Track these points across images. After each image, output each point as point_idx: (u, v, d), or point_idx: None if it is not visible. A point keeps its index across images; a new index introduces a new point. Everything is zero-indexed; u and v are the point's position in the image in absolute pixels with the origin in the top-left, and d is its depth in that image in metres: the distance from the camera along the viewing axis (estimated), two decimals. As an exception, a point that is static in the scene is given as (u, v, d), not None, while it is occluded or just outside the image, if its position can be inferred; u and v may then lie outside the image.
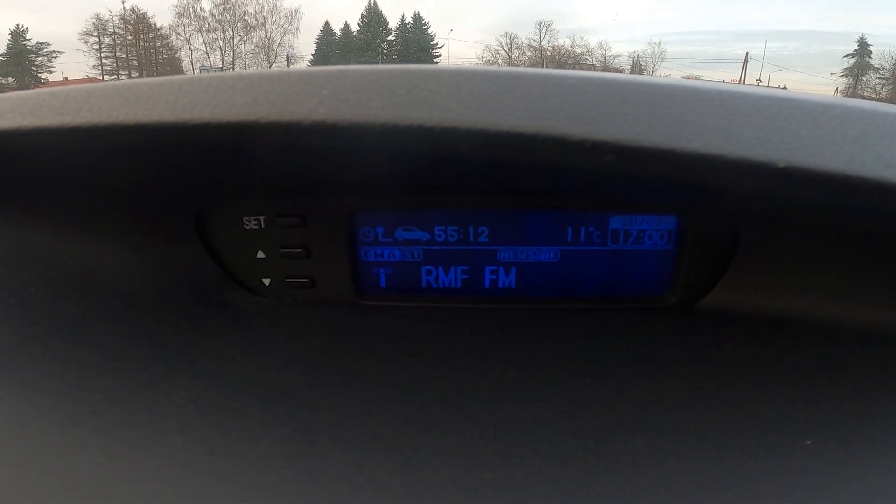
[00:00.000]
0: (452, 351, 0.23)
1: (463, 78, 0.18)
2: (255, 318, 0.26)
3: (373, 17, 38.19)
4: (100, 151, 0.21)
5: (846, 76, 35.42)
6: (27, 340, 0.21)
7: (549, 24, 40.15)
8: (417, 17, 39.09)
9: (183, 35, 35.08)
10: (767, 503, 0.15)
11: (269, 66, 35.97)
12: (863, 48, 34.67)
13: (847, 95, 34.07)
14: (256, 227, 0.27)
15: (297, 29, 36.84)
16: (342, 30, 39.04)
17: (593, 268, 0.25)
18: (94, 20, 33.49)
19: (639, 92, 0.17)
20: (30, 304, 0.22)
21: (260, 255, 0.28)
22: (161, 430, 0.18)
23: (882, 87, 33.42)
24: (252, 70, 0.31)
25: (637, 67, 39.09)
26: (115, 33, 33.90)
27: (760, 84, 36.01)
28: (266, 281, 0.28)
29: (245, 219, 0.28)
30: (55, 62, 32.52)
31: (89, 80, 34.09)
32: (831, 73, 36.80)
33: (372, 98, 0.17)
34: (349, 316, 0.26)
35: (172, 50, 35.59)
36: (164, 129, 0.18)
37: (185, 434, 0.18)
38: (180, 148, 0.21)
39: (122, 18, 33.60)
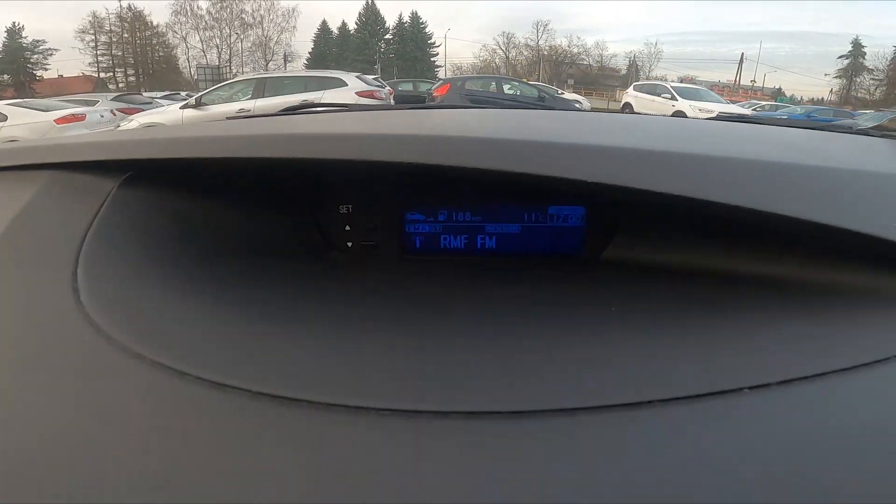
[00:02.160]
0: (459, 286, 0.38)
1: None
2: (343, 267, 0.42)
3: (370, 17, 38.15)
4: (276, 170, 0.39)
5: (840, 77, 35.57)
6: (211, 273, 0.34)
7: (546, 24, 40.20)
8: (415, 17, 39.08)
9: (179, 33, 34.99)
10: (649, 399, 0.21)
11: (266, 65, 35.94)
12: (857, 49, 34.75)
13: (841, 96, 34.23)
14: (346, 213, 0.43)
15: (294, 27, 36.84)
16: (339, 28, 38.97)
17: (539, 236, 0.43)
18: (90, 18, 33.31)
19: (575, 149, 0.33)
20: (215, 256, 0.36)
21: (347, 228, 0.44)
22: (295, 333, 0.29)
23: (875, 88, 33.55)
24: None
25: (633, 68, 39.20)
26: (111, 31, 33.72)
27: (753, 84, 36.02)
28: (349, 244, 0.44)
29: (340, 206, 0.44)
30: (50, 60, 32.34)
31: (84, 77, 34.05)
32: (825, 75, 36.97)
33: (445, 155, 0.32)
34: (397, 266, 0.42)
35: (168, 48, 35.49)
36: (324, 164, 0.34)
37: (307, 335, 0.29)
38: (322, 172, 0.42)
39: (119, 16, 33.43)
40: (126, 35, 33.81)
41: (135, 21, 33.79)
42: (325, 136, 0.35)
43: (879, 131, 0.55)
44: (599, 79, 37.36)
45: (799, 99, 33.29)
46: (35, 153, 0.38)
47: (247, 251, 0.38)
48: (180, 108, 6.18)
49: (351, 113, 0.56)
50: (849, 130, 0.59)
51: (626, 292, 0.35)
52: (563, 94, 13.08)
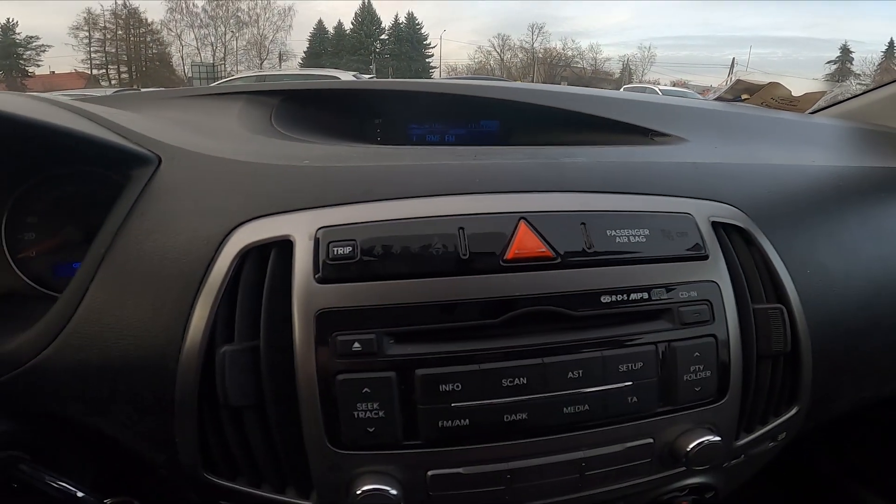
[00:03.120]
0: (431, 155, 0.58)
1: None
2: (378, 142, 0.68)
3: (366, 17, 38.34)
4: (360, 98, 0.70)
5: (828, 82, 36.38)
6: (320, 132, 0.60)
7: (541, 27, 40.59)
8: (411, 17, 39.31)
9: (174, 31, 34.97)
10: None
11: (261, 63, 36.01)
12: (845, 55, 35.59)
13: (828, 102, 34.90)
14: (378, 123, 0.69)
15: (289, 26, 36.83)
16: (335, 28, 39.11)
17: (474, 137, 0.69)
18: (85, 14, 33.20)
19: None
20: (316, 124, 0.63)
21: (378, 130, 0.69)
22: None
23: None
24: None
25: (627, 71, 39.72)
26: (105, 28, 33.65)
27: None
28: (379, 139, 0.68)
29: (375, 119, 0.69)
30: (43, 56, 32.21)
31: (77, 74, 33.96)
32: (813, 79, 37.74)
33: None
34: (404, 148, 0.63)
35: (163, 45, 35.46)
36: None
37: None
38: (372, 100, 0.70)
39: (114, 13, 33.38)
40: (120, 32, 33.75)
41: (129, 18, 33.74)
42: (377, 82, 0.72)
43: (719, 101, 0.75)
44: (593, 82, 37.73)
45: (788, 104, 33.87)
46: (234, 88, 0.65)
47: (331, 128, 0.62)
48: (180, 103, 6.35)
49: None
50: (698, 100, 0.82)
51: (518, 153, 0.56)
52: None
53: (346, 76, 6.82)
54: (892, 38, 33.09)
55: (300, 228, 0.36)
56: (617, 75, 39.61)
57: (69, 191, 0.50)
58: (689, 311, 0.38)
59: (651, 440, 0.38)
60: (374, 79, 0.92)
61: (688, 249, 0.39)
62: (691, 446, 0.37)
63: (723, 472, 0.43)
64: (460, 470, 0.35)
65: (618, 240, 0.38)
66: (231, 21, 35.53)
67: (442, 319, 0.35)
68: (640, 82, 29.18)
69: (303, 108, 0.62)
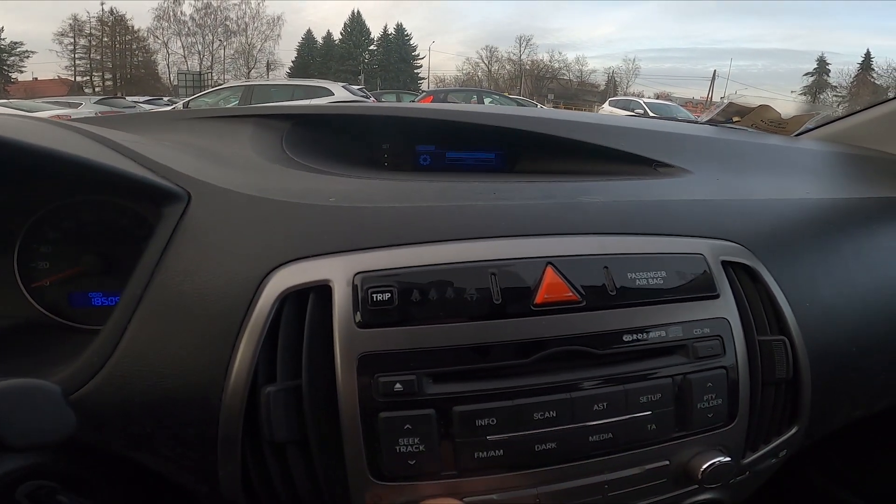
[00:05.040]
0: (435, 178, 0.61)
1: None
2: (385, 166, 0.70)
3: (355, 27, 38.57)
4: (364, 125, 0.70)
5: (805, 94, 37.41)
6: (335, 156, 0.63)
7: (529, 39, 41.22)
8: (399, 29, 39.65)
9: (161, 38, 34.72)
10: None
11: (248, 73, 35.89)
12: (821, 67, 36.62)
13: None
14: (386, 147, 0.70)
15: (278, 35, 36.86)
16: (324, 38, 39.25)
17: (480, 161, 0.71)
18: (70, 21, 32.83)
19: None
20: (329, 151, 0.63)
21: (385, 155, 0.70)
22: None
23: (838, 105, 35.33)
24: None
25: (612, 83, 40.45)
26: (91, 34, 33.28)
27: (723, 100, 37.46)
28: (386, 164, 0.69)
29: (382, 144, 0.70)
30: (27, 62, 31.75)
31: (60, 80, 33.50)
32: (791, 92, 38.83)
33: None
34: (412, 173, 0.66)
35: (149, 53, 35.14)
36: None
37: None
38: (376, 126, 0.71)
39: (100, 20, 33.05)
40: (106, 39, 33.41)
41: (115, 25, 33.44)
42: (382, 108, 0.71)
43: (711, 123, 0.77)
44: (579, 93, 38.40)
45: (767, 116, 34.70)
46: (244, 111, 0.68)
47: (341, 154, 0.65)
48: (167, 112, 6.30)
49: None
50: (693, 121, 0.85)
51: (521, 178, 0.61)
52: (541, 108, 13.53)
53: (336, 87, 6.82)
54: (867, 50, 34.34)
55: (338, 274, 0.37)
56: (602, 87, 40.34)
57: (83, 219, 0.51)
58: (703, 346, 0.41)
59: (667, 462, 0.41)
60: (380, 103, 0.98)
61: (701, 289, 0.42)
62: (704, 466, 0.40)
63: (730, 488, 0.46)
64: (494, 496, 0.38)
65: (637, 282, 0.40)
66: (219, 30, 35.43)
67: (477, 360, 0.37)
68: (625, 95, 29.69)
69: (312, 133, 0.63)
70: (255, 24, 36.17)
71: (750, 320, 0.44)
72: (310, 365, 0.36)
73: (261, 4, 36.00)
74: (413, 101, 9.28)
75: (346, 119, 0.67)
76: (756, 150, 0.64)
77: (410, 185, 0.50)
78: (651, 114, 10.73)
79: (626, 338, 0.39)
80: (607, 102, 13.04)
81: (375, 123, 0.67)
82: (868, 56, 34.07)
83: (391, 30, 39.42)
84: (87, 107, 7.56)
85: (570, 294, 0.39)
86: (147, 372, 0.37)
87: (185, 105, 6.38)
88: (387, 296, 0.36)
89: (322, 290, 0.37)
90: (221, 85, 8.92)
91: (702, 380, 0.41)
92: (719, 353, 0.41)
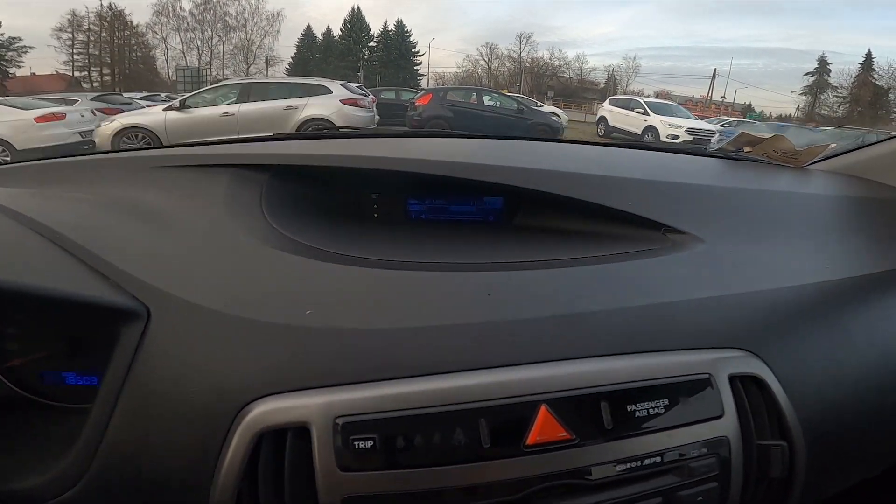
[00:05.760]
0: (434, 234, 0.61)
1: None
2: (376, 221, 0.65)
3: (355, 23, 38.36)
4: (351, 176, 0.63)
5: (805, 94, 37.24)
6: (315, 219, 0.57)
7: (529, 36, 41.01)
8: (400, 25, 39.47)
9: (160, 34, 34.51)
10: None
11: (247, 69, 35.75)
12: (822, 67, 36.38)
13: (805, 113, 35.85)
14: (375, 197, 0.65)
15: (277, 31, 36.65)
16: (324, 34, 39.05)
17: (478, 211, 0.66)
18: (69, 16, 32.59)
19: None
20: (315, 209, 0.59)
21: (375, 206, 0.66)
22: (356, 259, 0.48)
23: (838, 105, 35.20)
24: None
25: (612, 81, 40.34)
26: (89, 30, 33.07)
27: (723, 99, 37.41)
28: (375, 215, 0.65)
29: (371, 193, 0.65)
30: (25, 57, 31.47)
31: (58, 76, 33.28)
32: (792, 91, 38.66)
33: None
34: (403, 224, 0.64)
35: (147, 48, 34.94)
36: None
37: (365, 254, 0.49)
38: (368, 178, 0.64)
39: (99, 15, 32.83)
40: (105, 34, 33.20)
41: (114, 20, 33.23)
42: (372, 159, 0.61)
43: (721, 152, 0.74)
44: (579, 91, 38.30)
45: (768, 115, 34.69)
46: (218, 159, 0.60)
47: (328, 209, 0.61)
48: (163, 110, 6.22)
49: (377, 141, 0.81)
50: (700, 152, 0.80)
51: (525, 239, 0.59)
52: (541, 106, 13.46)
53: (334, 85, 6.74)
54: (869, 50, 34.21)
55: (317, 416, 0.35)
56: (602, 85, 40.22)
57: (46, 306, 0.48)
58: (700, 466, 0.39)
59: None
60: (375, 136, 0.95)
61: (705, 412, 0.40)
62: None
63: None
64: None
65: (637, 414, 0.38)
66: (218, 25, 35.24)
67: (464, 500, 0.36)
68: (625, 94, 29.63)
69: (294, 186, 0.59)
70: (255, 20, 36.03)
71: (751, 428, 0.42)
72: (292, 502, 0.35)
73: (260, 0, 35.85)
74: (412, 99, 9.22)
75: (331, 170, 0.61)
76: (771, 203, 0.61)
77: (398, 281, 0.45)
78: (651, 113, 10.73)
79: (619, 468, 0.38)
80: (608, 101, 12.93)
81: (363, 175, 0.61)
82: (869, 56, 33.93)
83: (391, 26, 39.25)
84: (84, 104, 7.47)
85: (564, 433, 0.37)
86: (129, 483, 0.36)
87: (182, 103, 6.27)
88: (369, 443, 0.35)
89: (301, 430, 0.36)
90: (221, 81, 8.84)
91: (694, 494, 0.40)
92: (716, 473, 0.40)
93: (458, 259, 0.50)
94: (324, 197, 0.61)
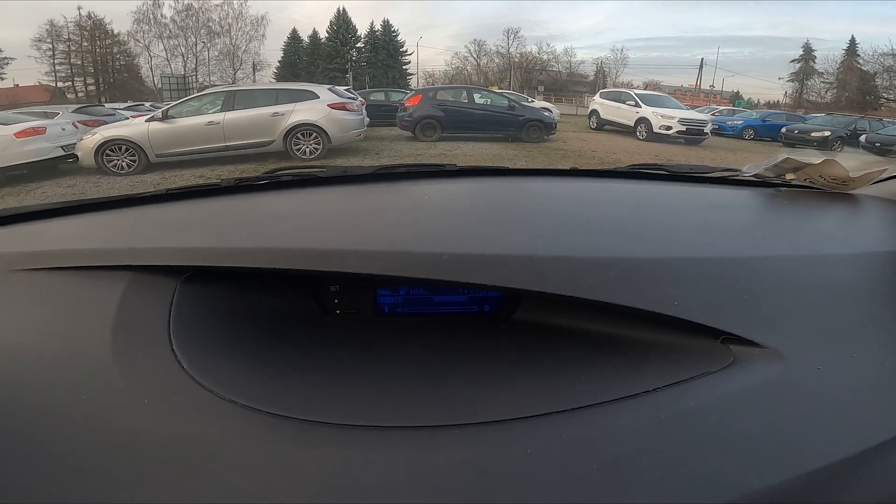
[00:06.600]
0: (416, 337, 0.50)
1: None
2: (334, 327, 0.52)
3: (342, 25, 38.01)
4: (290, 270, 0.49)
5: (792, 81, 37.37)
6: (251, 335, 0.44)
7: (516, 32, 40.91)
8: (387, 25, 39.16)
9: (142, 41, 34.02)
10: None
11: (234, 74, 35.34)
12: (807, 53, 36.58)
13: (794, 100, 35.98)
14: (334, 290, 0.52)
15: (263, 36, 36.23)
16: (310, 37, 38.67)
17: (473, 303, 0.54)
18: (47, 26, 32.04)
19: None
20: (252, 324, 0.46)
21: (336, 301, 0.52)
22: (305, 373, 0.40)
23: (826, 91, 35.39)
24: None
25: (601, 73, 40.27)
26: (69, 40, 32.53)
27: (712, 88, 37.40)
28: (338, 311, 0.53)
29: (330, 286, 0.52)
30: (7, 68, 31.00)
31: (41, 86, 32.77)
32: (779, 78, 38.78)
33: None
34: (372, 325, 0.52)
35: (130, 56, 34.47)
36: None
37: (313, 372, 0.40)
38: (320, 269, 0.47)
39: (78, 25, 32.30)
40: (85, 44, 32.68)
41: (94, 29, 32.70)
42: (327, 253, 0.48)
43: (758, 178, 0.64)
44: (569, 85, 38.20)
45: (756, 102, 34.80)
46: (116, 257, 0.48)
47: (269, 318, 0.48)
48: (146, 121, 6.05)
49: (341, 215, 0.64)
50: (736, 180, 0.70)
51: (526, 337, 0.48)
52: (532, 101, 13.35)
53: (321, 90, 6.61)
54: (852, 36, 34.33)
55: None
56: (591, 77, 40.14)
57: None
58: None
59: None
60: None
61: None
62: None
63: None
64: None
65: None
66: (202, 31, 34.79)
67: None
68: (615, 86, 29.58)
69: (219, 287, 0.46)
70: (239, 25, 35.57)
71: None
72: None
73: (243, 4, 35.41)
74: (402, 101, 9.08)
75: (266, 269, 0.46)
76: (853, 278, 0.47)
77: (362, 463, 0.31)
78: (642, 104, 10.65)
79: None
80: (598, 94, 12.84)
81: (314, 261, 0.46)
82: (853, 42, 34.08)
83: (378, 26, 38.93)
84: (65, 116, 7.28)
85: None
86: None
87: (164, 114, 6.11)
88: None
89: None
90: (207, 88, 8.62)
91: None
92: None
93: (438, 388, 0.39)
94: (265, 298, 0.49)
